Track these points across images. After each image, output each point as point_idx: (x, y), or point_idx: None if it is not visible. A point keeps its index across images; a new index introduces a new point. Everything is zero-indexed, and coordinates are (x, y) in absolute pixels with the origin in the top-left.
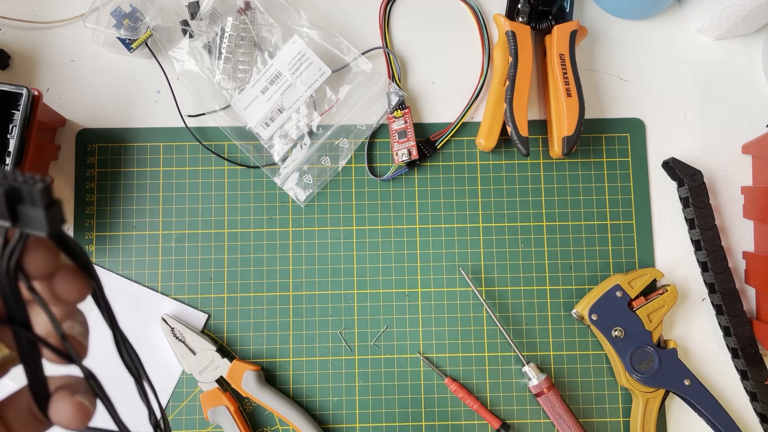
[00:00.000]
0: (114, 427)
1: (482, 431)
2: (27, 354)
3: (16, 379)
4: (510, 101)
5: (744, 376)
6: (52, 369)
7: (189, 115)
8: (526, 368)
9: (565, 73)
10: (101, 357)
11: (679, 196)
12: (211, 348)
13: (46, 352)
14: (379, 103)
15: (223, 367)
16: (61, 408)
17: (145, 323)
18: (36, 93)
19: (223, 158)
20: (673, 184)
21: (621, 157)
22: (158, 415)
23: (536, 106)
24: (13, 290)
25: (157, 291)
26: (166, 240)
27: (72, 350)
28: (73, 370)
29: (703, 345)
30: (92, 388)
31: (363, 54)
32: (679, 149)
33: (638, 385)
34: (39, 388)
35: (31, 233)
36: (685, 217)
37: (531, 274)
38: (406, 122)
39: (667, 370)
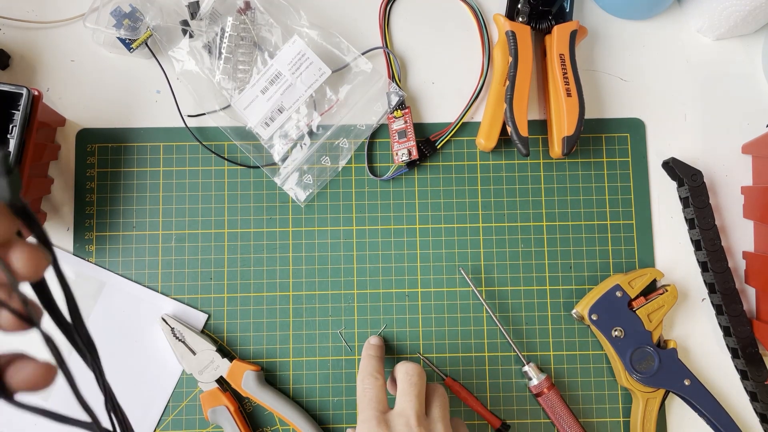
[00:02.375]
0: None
1: (482, 431)
2: None
3: None
4: (510, 101)
5: (744, 376)
6: None
7: (189, 115)
8: (526, 368)
9: (565, 73)
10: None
11: (679, 196)
12: (211, 348)
13: (3, 319)
14: (379, 103)
15: (223, 367)
16: (23, 369)
17: (145, 323)
18: (36, 93)
19: (223, 158)
20: (673, 184)
21: (621, 157)
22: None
23: (536, 106)
24: None
25: (157, 291)
26: (166, 240)
27: (33, 313)
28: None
29: (703, 345)
30: (52, 351)
31: (363, 54)
32: (679, 149)
33: (638, 385)
34: None
35: None
36: (685, 217)
37: (531, 274)
38: (406, 122)
39: (667, 370)
